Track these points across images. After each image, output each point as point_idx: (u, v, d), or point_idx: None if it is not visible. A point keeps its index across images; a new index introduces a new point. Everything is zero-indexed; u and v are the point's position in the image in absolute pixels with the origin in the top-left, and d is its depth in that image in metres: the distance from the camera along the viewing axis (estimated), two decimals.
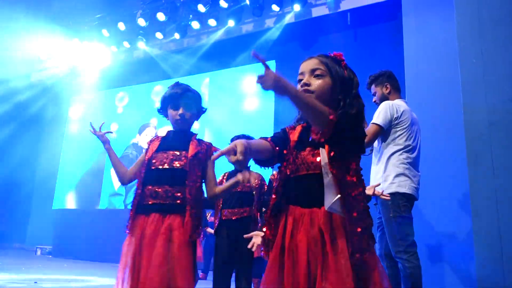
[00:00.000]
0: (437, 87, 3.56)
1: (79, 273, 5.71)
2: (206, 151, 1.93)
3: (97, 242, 8.36)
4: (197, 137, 1.98)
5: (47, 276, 5.03)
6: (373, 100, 2.92)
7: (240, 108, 7.67)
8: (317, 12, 7.05)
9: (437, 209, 3.32)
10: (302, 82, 1.38)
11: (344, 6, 6.83)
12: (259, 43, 7.87)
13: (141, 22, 7.68)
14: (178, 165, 1.85)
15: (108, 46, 8.72)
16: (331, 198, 1.24)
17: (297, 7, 6.75)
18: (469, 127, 2.71)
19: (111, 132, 2.14)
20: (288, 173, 1.35)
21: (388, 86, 2.81)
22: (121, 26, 7.97)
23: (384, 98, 2.82)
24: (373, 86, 2.89)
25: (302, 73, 1.41)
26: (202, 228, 1.83)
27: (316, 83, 1.36)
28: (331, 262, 1.17)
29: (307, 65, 1.40)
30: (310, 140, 1.36)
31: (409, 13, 4.07)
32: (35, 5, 8.53)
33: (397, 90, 2.84)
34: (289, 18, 7.18)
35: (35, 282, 4.44)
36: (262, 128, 7.04)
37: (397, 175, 2.55)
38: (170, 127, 2.04)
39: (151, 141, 2.01)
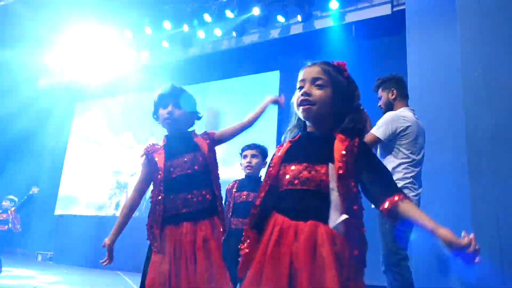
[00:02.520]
0: (439, 101, 3.57)
1: (79, 279, 5.71)
2: (211, 139, 1.92)
3: (98, 249, 8.35)
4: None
5: (46, 282, 5.03)
6: (378, 104, 2.84)
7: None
8: (322, 24, 7.12)
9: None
10: (303, 91, 1.33)
11: (349, 19, 6.89)
12: (264, 53, 7.93)
13: (147, 30, 7.77)
14: (199, 166, 1.79)
15: (114, 53, 8.82)
16: (337, 217, 1.19)
17: (301, 18, 6.81)
18: (471, 140, 2.72)
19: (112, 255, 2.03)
20: (275, 187, 1.31)
21: (394, 92, 2.73)
22: (128, 34, 8.06)
23: (389, 104, 2.75)
24: (379, 90, 2.81)
25: (303, 80, 1.36)
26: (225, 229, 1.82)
27: (317, 93, 1.31)
28: (312, 279, 1.13)
29: (309, 73, 1.35)
30: (306, 154, 1.31)
31: (413, 27, 4.10)
32: (43, 14, 8.65)
33: (404, 97, 2.76)
34: (294, 29, 7.25)
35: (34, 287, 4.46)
36: (265, 138, 7.06)
37: (400, 188, 2.53)
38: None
39: (153, 151, 1.89)
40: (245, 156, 2.79)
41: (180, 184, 1.76)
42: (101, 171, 9.15)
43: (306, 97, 1.31)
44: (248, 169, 2.75)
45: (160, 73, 9.20)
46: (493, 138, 2.64)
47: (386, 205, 1.21)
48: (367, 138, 2.61)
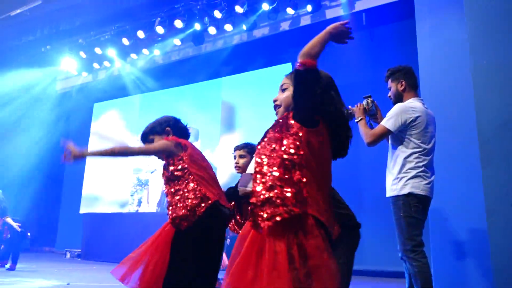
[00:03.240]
0: (450, 87, 3.59)
1: (108, 275, 5.94)
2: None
3: (124, 245, 8.61)
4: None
5: (78, 278, 5.26)
6: (388, 95, 2.88)
7: (257, 112, 7.80)
8: (332, 13, 7.11)
9: (451, 209, 3.36)
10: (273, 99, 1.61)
11: (359, 7, 6.86)
12: (275, 46, 7.97)
13: (159, 29, 7.89)
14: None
15: (128, 54, 8.99)
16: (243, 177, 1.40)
17: (311, 9, 6.83)
18: (481, 127, 2.75)
19: None
20: None
21: (403, 83, 2.78)
22: (140, 34, 8.21)
23: (398, 95, 2.81)
24: (389, 81, 2.86)
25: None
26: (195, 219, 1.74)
27: (281, 97, 1.57)
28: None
29: (280, 85, 1.61)
30: None
31: (422, 14, 4.10)
32: (57, 20, 8.87)
33: (413, 88, 2.80)
34: (304, 21, 7.27)
35: (68, 284, 4.68)
36: None
37: (412, 177, 2.59)
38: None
39: None
40: (234, 157, 2.88)
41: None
42: (122, 170, 9.40)
43: (275, 103, 1.59)
44: (236, 169, 2.84)
45: (173, 71, 9.35)
46: (504, 123, 2.67)
47: (298, 66, 1.44)
48: (378, 129, 2.68)
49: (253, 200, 1.28)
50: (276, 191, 1.26)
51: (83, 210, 10.00)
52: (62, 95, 11.57)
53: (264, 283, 1.12)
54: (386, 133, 2.67)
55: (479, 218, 3.20)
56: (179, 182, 1.81)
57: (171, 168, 1.85)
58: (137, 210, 8.87)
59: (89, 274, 5.89)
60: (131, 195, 9.11)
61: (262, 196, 1.27)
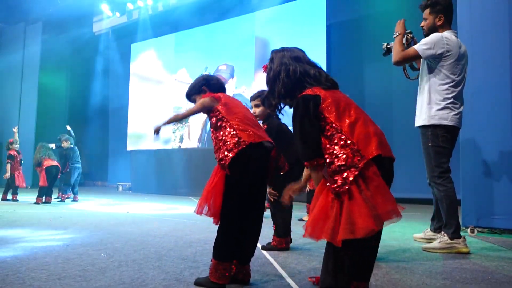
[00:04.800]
0: (487, 18, 3.48)
1: (158, 204, 6.53)
2: None
3: (169, 178, 9.26)
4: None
5: (133, 208, 5.85)
6: (421, 24, 2.88)
7: (291, 45, 7.74)
8: None
9: (482, 139, 3.43)
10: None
11: None
12: None
13: None
14: None
15: None
16: None
17: None
18: None
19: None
20: None
21: (442, 18, 2.78)
22: None
23: (433, 28, 2.80)
24: (427, 11, 2.83)
25: None
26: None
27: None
28: None
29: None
30: None
31: None
32: None
33: (449, 23, 2.81)
34: None
35: (127, 212, 5.26)
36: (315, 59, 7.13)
37: (440, 109, 2.70)
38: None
39: None
40: (250, 107, 2.94)
41: None
42: (163, 108, 9.81)
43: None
44: None
45: (206, 8, 9.30)
46: None
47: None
48: (409, 51, 2.73)
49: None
50: (334, 162, 1.45)
51: (130, 147, 10.66)
52: (98, 37, 11.86)
53: (345, 209, 1.39)
54: (416, 57, 2.73)
55: (509, 149, 3.29)
56: (221, 130, 2.05)
57: (213, 120, 2.09)
58: (180, 146, 9.38)
59: (142, 204, 6.50)
60: (173, 132, 9.58)
61: (330, 169, 1.46)
